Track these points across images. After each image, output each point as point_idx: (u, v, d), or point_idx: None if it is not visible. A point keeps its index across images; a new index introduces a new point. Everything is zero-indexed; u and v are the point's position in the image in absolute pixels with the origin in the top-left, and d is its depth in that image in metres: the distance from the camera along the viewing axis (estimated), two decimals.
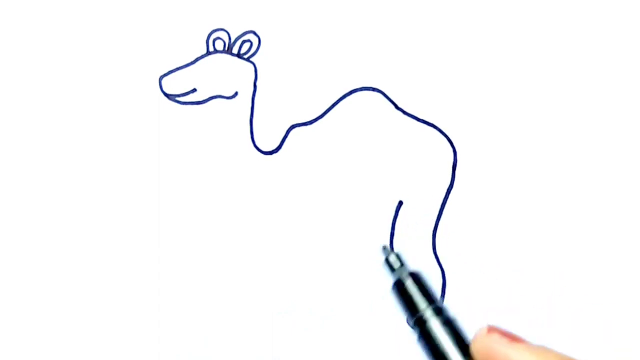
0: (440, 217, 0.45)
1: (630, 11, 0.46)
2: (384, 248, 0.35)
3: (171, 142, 0.45)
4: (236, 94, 0.45)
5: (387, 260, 0.35)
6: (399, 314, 0.45)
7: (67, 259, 0.44)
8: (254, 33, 0.45)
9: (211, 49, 0.45)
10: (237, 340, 0.44)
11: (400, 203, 0.45)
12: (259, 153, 0.44)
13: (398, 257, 0.34)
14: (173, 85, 0.44)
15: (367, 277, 0.45)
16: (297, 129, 0.45)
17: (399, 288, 0.33)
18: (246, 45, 0.45)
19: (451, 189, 0.45)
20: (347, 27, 0.45)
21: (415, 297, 0.32)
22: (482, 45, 0.46)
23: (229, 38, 0.45)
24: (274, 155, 0.45)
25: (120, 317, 0.44)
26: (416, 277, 0.33)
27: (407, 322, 0.33)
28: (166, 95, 0.44)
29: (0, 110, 0.45)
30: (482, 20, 0.46)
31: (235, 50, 0.45)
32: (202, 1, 0.45)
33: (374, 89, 0.45)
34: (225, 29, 0.45)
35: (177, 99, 0.44)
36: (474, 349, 0.27)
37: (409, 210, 0.45)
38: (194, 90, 0.44)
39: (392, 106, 0.45)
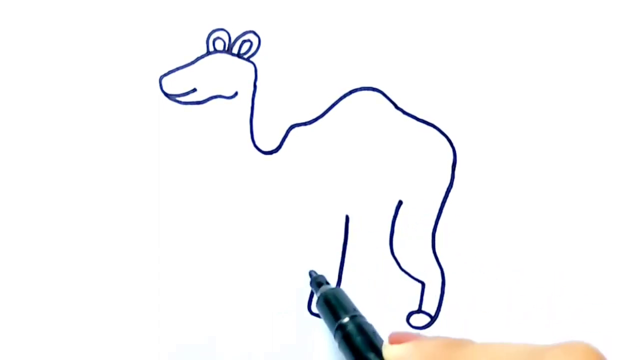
0: (440, 217, 0.45)
1: (630, 11, 0.46)
2: (311, 273, 0.43)
3: (171, 142, 0.45)
4: (236, 94, 0.45)
5: (313, 281, 0.43)
6: (398, 314, 0.46)
7: (67, 258, 0.44)
8: (254, 33, 0.45)
9: (211, 48, 0.45)
10: (237, 340, 0.44)
11: (400, 203, 0.45)
12: (259, 153, 0.45)
13: (321, 278, 0.43)
14: (173, 85, 0.45)
15: (367, 277, 0.45)
16: (297, 129, 0.45)
17: (323, 302, 0.40)
18: (246, 45, 0.45)
19: (451, 189, 0.45)
20: (347, 27, 0.46)
21: (335, 308, 0.39)
22: (482, 46, 0.46)
23: (229, 38, 0.45)
24: (274, 155, 0.45)
25: (120, 317, 0.44)
26: (336, 293, 0.40)
27: (331, 331, 0.38)
28: (166, 95, 0.45)
29: (0, 110, 0.45)
30: (482, 20, 0.46)
31: (235, 50, 0.45)
32: (202, 1, 0.45)
33: (373, 89, 0.45)
34: (225, 28, 0.45)
35: (177, 98, 0.45)
36: (385, 356, 0.33)
37: (409, 210, 0.45)
38: (194, 90, 0.45)
39: (392, 106, 0.45)
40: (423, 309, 0.45)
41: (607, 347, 0.45)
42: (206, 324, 0.44)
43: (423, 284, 0.45)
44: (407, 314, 0.45)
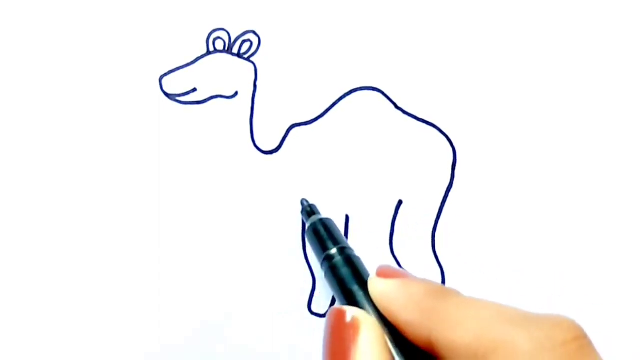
0: (440, 216, 0.45)
1: (630, 11, 0.46)
2: (302, 201, 0.42)
3: (171, 142, 0.45)
4: (236, 93, 0.45)
5: (304, 210, 0.42)
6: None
7: (67, 258, 0.44)
8: (254, 33, 0.45)
9: (211, 48, 0.45)
10: (237, 341, 0.44)
11: (400, 202, 0.45)
12: (259, 153, 0.45)
13: (313, 207, 0.42)
14: (173, 84, 0.45)
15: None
16: (297, 128, 0.45)
17: (312, 232, 0.39)
18: (246, 45, 0.45)
19: (451, 189, 0.45)
20: (347, 27, 0.46)
21: (324, 239, 0.38)
22: (482, 45, 0.46)
23: (229, 38, 0.45)
24: (274, 154, 0.45)
25: (120, 316, 0.44)
26: (326, 223, 0.39)
27: (319, 262, 0.37)
28: (166, 94, 0.45)
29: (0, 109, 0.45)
30: (482, 20, 0.46)
31: (235, 50, 0.45)
32: (202, 1, 0.45)
33: (373, 89, 0.45)
34: (225, 28, 0.45)
35: (178, 98, 0.45)
36: (370, 290, 0.31)
37: (409, 209, 0.45)
38: (194, 89, 0.45)
39: (392, 106, 0.45)
40: None
41: (607, 347, 0.45)
42: (205, 324, 0.44)
43: None
44: None
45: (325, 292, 0.45)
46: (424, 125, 0.45)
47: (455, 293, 0.28)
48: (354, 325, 0.28)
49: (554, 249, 0.45)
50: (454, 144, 0.45)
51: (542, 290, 0.45)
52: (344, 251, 0.37)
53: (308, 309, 0.45)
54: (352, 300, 0.33)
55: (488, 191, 0.45)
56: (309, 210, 0.42)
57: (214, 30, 0.45)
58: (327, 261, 0.37)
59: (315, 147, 0.45)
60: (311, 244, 0.39)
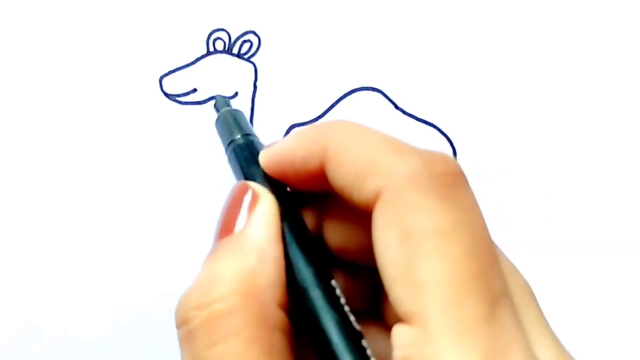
0: None
1: (630, 11, 0.46)
2: (216, 97, 0.42)
3: (171, 143, 0.45)
4: (236, 94, 0.45)
5: (216, 103, 0.41)
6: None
7: (66, 258, 0.44)
8: (254, 33, 0.45)
9: (211, 49, 0.45)
10: None
11: None
12: None
13: (225, 100, 0.41)
14: (173, 85, 0.44)
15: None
16: (297, 128, 0.45)
17: (220, 121, 0.38)
18: (246, 46, 0.45)
19: None
20: (347, 27, 0.45)
21: (230, 127, 0.37)
22: (482, 45, 0.46)
23: (229, 38, 0.45)
24: None
25: (118, 316, 0.44)
26: (234, 114, 0.38)
27: (226, 153, 0.36)
28: (166, 95, 0.45)
29: None
30: (482, 20, 0.46)
31: (235, 50, 0.45)
32: (202, 1, 0.45)
33: (373, 89, 0.45)
34: (226, 29, 0.45)
35: (178, 99, 0.44)
36: (260, 160, 0.31)
37: None
38: (194, 90, 0.45)
39: (392, 106, 0.45)
40: None
41: (607, 347, 0.45)
42: None
43: None
44: None
45: None
46: (424, 125, 0.45)
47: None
48: (254, 198, 0.29)
49: (554, 249, 0.45)
50: (454, 145, 0.45)
51: (542, 291, 0.45)
52: (248, 137, 0.36)
53: None
54: (252, 180, 0.32)
55: (489, 192, 0.45)
56: (220, 102, 0.40)
57: (214, 31, 0.45)
58: (230, 146, 0.36)
59: None
60: (218, 132, 0.39)
